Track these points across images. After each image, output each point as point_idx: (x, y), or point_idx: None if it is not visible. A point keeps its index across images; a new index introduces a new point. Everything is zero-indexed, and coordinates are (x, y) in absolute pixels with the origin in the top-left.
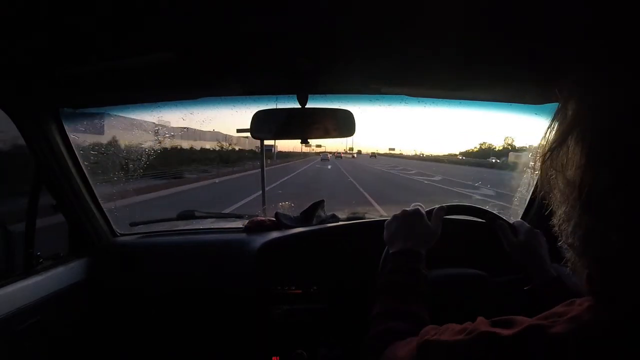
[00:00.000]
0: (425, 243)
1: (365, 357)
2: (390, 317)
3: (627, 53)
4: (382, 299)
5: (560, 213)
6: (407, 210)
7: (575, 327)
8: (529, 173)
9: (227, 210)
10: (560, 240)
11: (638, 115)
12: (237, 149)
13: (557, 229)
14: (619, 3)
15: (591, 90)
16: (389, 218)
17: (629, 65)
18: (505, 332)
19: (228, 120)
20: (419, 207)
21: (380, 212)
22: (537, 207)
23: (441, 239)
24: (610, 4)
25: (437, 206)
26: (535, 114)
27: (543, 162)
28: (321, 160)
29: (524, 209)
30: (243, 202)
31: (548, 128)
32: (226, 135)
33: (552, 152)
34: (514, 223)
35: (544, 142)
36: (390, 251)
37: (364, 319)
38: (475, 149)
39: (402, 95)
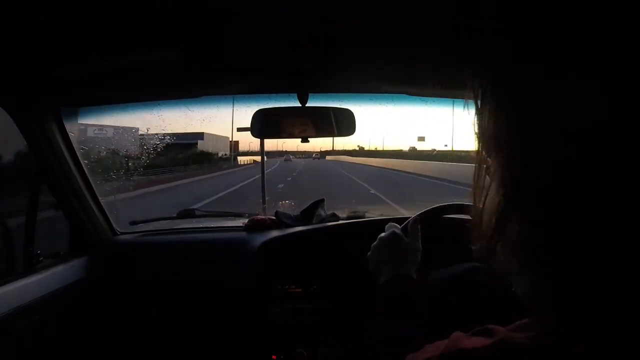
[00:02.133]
0: (411, 262)
1: None
2: (386, 353)
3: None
4: (377, 333)
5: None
6: (382, 236)
7: (539, 336)
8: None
9: None
10: None
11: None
12: None
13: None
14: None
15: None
16: (390, 217)
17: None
18: (479, 343)
19: (228, 119)
20: (394, 229)
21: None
22: None
23: (434, 242)
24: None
25: (410, 219)
26: None
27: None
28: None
29: None
30: None
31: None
32: None
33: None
34: None
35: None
36: (380, 281)
37: (364, 318)
38: None
39: (402, 94)
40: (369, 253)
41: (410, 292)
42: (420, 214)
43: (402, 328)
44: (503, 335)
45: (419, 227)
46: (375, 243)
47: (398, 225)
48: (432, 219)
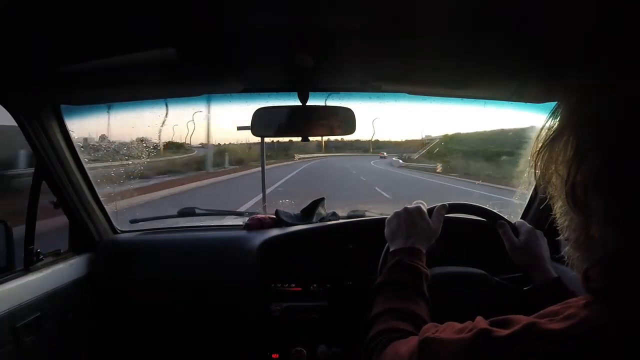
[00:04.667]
0: (425, 241)
1: (365, 357)
2: (390, 317)
3: (627, 58)
4: (382, 298)
5: (557, 208)
6: (408, 207)
7: (571, 323)
8: (529, 170)
9: None
10: (559, 235)
11: (624, 116)
12: None
13: (557, 223)
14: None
15: (589, 91)
16: (390, 215)
17: (625, 68)
18: (503, 331)
19: (229, 118)
20: (421, 205)
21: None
22: (538, 203)
23: (442, 237)
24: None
25: (438, 204)
26: (536, 112)
27: (537, 157)
28: None
29: (525, 205)
30: None
31: (543, 125)
32: None
33: (546, 148)
34: (515, 223)
35: (541, 137)
36: (391, 249)
37: (363, 317)
38: None
39: (403, 94)
40: (388, 217)
41: (419, 266)
42: (450, 203)
43: (403, 303)
44: (527, 321)
45: (444, 213)
46: (399, 210)
47: (425, 203)
48: (458, 212)
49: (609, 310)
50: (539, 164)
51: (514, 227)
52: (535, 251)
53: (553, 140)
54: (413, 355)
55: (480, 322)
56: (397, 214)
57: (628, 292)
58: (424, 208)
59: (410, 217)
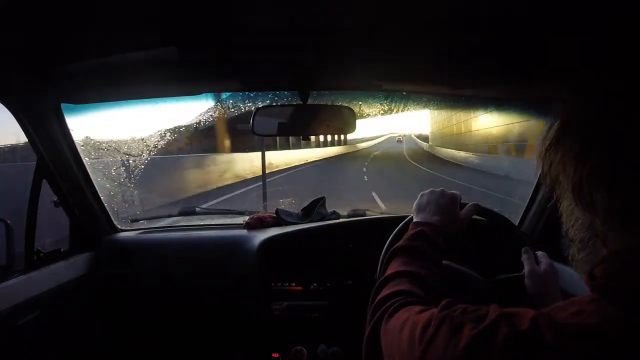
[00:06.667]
0: (448, 226)
1: (374, 316)
2: (407, 280)
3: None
4: (399, 262)
5: (563, 207)
6: (445, 190)
7: (581, 318)
8: (533, 171)
9: None
10: (558, 236)
11: (623, 117)
12: None
13: (560, 223)
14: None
15: (595, 91)
16: (391, 215)
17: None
18: (517, 322)
19: (229, 117)
20: (458, 194)
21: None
22: (538, 203)
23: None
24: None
25: (472, 202)
26: (535, 112)
27: (545, 157)
28: None
29: (525, 204)
30: None
31: (550, 125)
32: None
33: (553, 147)
34: (537, 253)
35: (548, 137)
36: (415, 220)
37: (363, 316)
38: None
39: (403, 93)
40: (422, 192)
41: (438, 240)
42: (483, 206)
43: (418, 269)
44: (535, 313)
45: (474, 211)
46: (436, 189)
47: (461, 196)
48: (485, 217)
49: (615, 307)
50: (546, 163)
51: (535, 256)
52: (552, 281)
53: (559, 139)
54: (428, 327)
55: (495, 309)
56: (432, 191)
57: (633, 288)
58: (458, 198)
59: (442, 199)
